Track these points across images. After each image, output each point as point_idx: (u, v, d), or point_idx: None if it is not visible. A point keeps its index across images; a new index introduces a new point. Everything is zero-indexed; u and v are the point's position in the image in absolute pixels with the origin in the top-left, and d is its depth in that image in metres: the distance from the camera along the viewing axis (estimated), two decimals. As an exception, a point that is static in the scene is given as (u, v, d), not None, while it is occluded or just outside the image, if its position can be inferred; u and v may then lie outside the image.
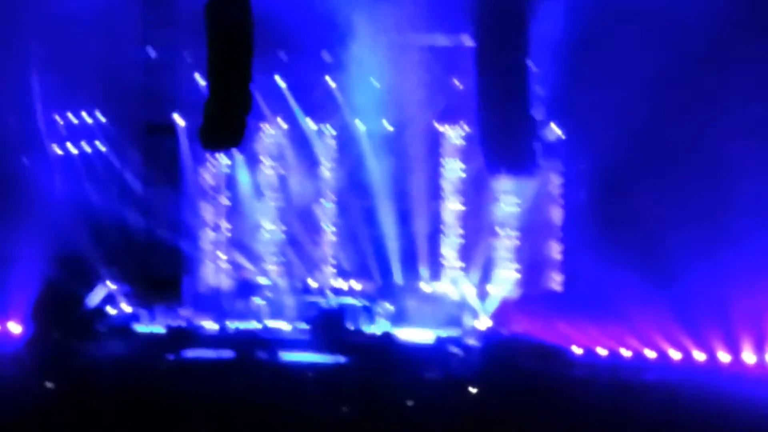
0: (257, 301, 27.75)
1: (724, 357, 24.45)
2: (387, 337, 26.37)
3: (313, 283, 28.49)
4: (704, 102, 25.14)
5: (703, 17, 24.53)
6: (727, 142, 24.50)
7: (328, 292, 29.01)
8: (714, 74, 25.32)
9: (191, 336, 26.44)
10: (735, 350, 24.50)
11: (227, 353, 25.56)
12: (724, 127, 24.75)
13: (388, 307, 27.96)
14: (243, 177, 28.44)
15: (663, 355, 24.96)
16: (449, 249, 28.23)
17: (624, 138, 25.71)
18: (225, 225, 28.70)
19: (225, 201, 28.63)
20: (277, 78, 28.05)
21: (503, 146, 26.09)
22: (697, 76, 25.20)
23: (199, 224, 28.38)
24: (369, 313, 27.76)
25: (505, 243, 27.75)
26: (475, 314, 27.00)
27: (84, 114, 28.29)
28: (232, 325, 26.87)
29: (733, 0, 25.18)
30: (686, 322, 24.85)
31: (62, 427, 20.50)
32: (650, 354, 25.02)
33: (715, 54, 25.19)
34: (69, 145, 28.38)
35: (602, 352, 25.32)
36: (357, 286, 28.24)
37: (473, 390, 23.05)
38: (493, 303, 27.14)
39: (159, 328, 26.51)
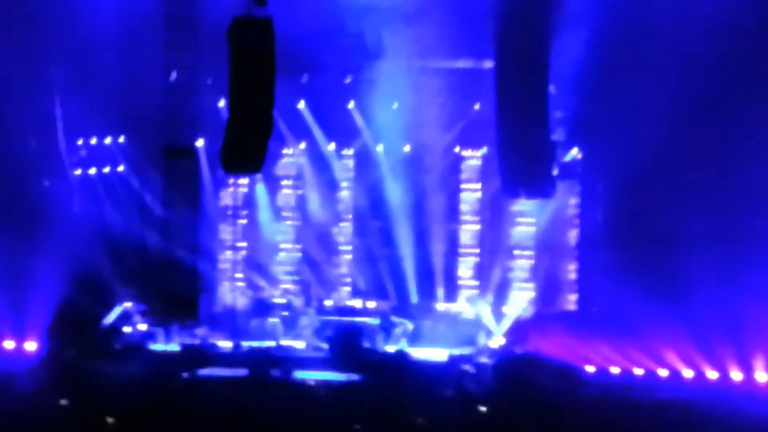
0: (272, 320, 27.85)
1: (736, 376, 24.42)
2: (401, 355, 26.38)
3: (328, 303, 28.48)
4: (724, 124, 25.17)
5: (724, 38, 24.56)
6: (745, 164, 24.58)
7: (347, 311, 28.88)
8: (733, 96, 25.16)
9: (206, 355, 26.55)
10: (747, 369, 24.47)
11: (241, 371, 25.67)
12: (744, 149, 24.81)
13: (408, 325, 27.93)
14: (261, 197, 28.57)
15: (676, 374, 24.94)
16: (465, 269, 28.36)
17: (640, 160, 25.65)
18: (242, 245, 28.91)
19: (243, 222, 28.90)
20: (300, 103, 28.25)
21: (521, 168, 26.24)
22: (716, 98, 25.05)
23: (217, 245, 28.58)
24: (386, 332, 27.73)
25: (521, 263, 27.92)
26: (489, 333, 27.10)
27: (106, 137, 28.54)
28: (247, 343, 26.89)
29: (751, 21, 24.72)
30: (699, 341, 24.77)
31: None
32: (663, 373, 24.97)
33: (735, 75, 25.24)
34: (91, 167, 28.61)
35: (615, 370, 25.26)
36: (372, 305, 28.30)
37: (482, 408, 23.51)
38: (507, 322, 27.22)
39: (174, 347, 26.66)
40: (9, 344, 26.38)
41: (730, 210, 24.53)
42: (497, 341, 27.08)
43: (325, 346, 27.19)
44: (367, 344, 27.36)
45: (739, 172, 24.85)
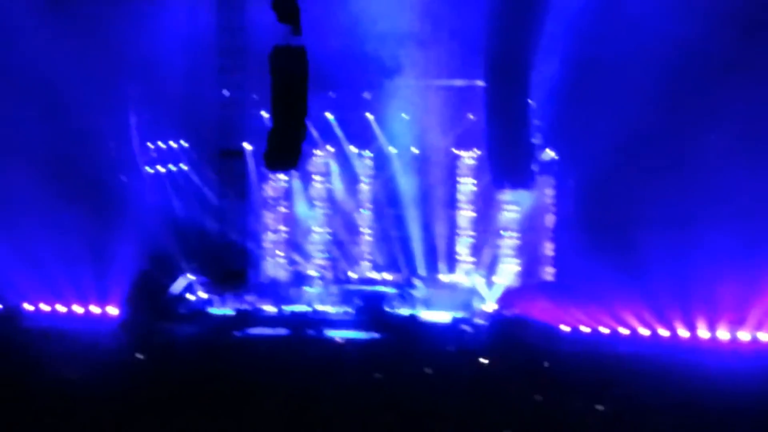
0: (307, 289, 28.35)
1: (683, 333, 25.35)
2: (412, 318, 27.06)
3: (353, 275, 29.24)
4: (674, 129, 25.99)
5: (680, 52, 25.42)
6: (689, 163, 25.26)
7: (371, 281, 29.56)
8: (684, 105, 25.94)
9: (254, 317, 27.28)
10: (692, 328, 25.40)
11: (283, 331, 26.63)
12: (691, 151, 25.47)
13: (423, 288, 28.61)
14: (297, 190, 29.27)
15: (634, 332, 25.81)
16: (463, 247, 28.99)
17: (605, 159, 26.51)
18: (282, 228, 29.30)
19: (283, 209, 29.32)
20: (328, 113, 28.86)
21: (507, 166, 27.31)
22: (669, 108, 25.81)
23: (262, 228, 29.10)
24: (403, 299, 28.27)
25: (508, 242, 28.50)
26: (483, 300, 27.76)
27: (171, 141, 29.32)
28: (287, 308, 27.58)
29: (713, 35, 25.09)
30: (653, 305, 25.72)
31: (149, 390, 21.06)
32: (624, 331, 25.86)
33: (689, 85, 25.74)
34: (159, 166, 29.37)
35: (585, 330, 26.11)
36: (388, 277, 28.91)
37: (484, 360, 24.10)
38: (497, 290, 27.94)
39: (228, 311, 27.31)
40: (95, 309, 26.94)
41: (678, 199, 24.99)
42: (490, 306, 27.65)
43: (351, 310, 27.74)
44: (387, 309, 27.90)
45: (686, 170, 25.32)
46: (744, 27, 25.92)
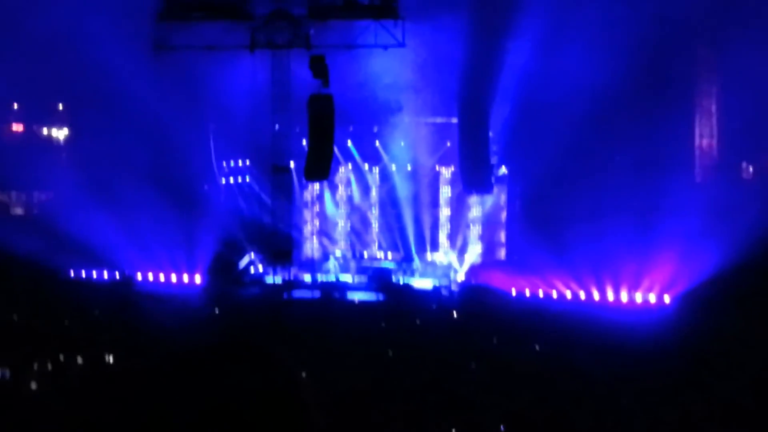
0: (333, 264, 29.05)
1: (596, 295, 26.34)
2: (407, 285, 27.96)
3: (365, 254, 29.81)
4: (590, 153, 26.25)
5: (596, 97, 25.18)
6: (599, 176, 25.92)
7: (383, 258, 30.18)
8: (597, 135, 26.17)
9: (296, 284, 28.07)
10: (602, 291, 26.33)
11: (316, 294, 27.73)
12: (600, 167, 26.34)
13: (419, 264, 29.09)
14: (327, 195, 29.77)
15: (561, 295, 26.70)
16: (443, 235, 29.41)
17: (542, 173, 27.24)
18: (316, 222, 29.71)
19: (316, 208, 29.76)
20: (348, 141, 29.28)
21: (473, 178, 28.28)
22: (587, 137, 25.92)
23: (302, 221, 29.28)
24: (404, 271, 28.77)
25: (474, 232, 28.94)
26: (456, 272, 28.69)
27: (239, 160, 29.89)
28: (319, 278, 28.37)
29: (618, 85, 25.55)
30: (575, 275, 26.52)
31: (221, 335, 22.62)
32: (554, 294, 26.77)
33: (601, 121, 25.93)
34: (231, 178, 30.04)
35: (527, 293, 27.02)
36: (390, 256, 29.57)
37: (455, 314, 25.73)
38: (466, 266, 28.83)
39: (278, 279, 27.96)
40: (185, 278, 27.81)
41: (592, 201, 25.42)
42: (460, 277, 28.65)
43: (364, 279, 28.55)
44: (393, 278, 28.53)
45: (597, 181, 25.92)
46: (641, 80, 26.38)
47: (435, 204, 29.68)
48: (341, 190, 29.91)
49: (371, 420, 16.33)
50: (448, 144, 29.34)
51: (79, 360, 20.72)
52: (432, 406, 16.82)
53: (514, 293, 27.16)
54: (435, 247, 29.65)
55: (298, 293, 27.73)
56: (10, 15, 26.39)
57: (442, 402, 17.04)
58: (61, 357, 20.64)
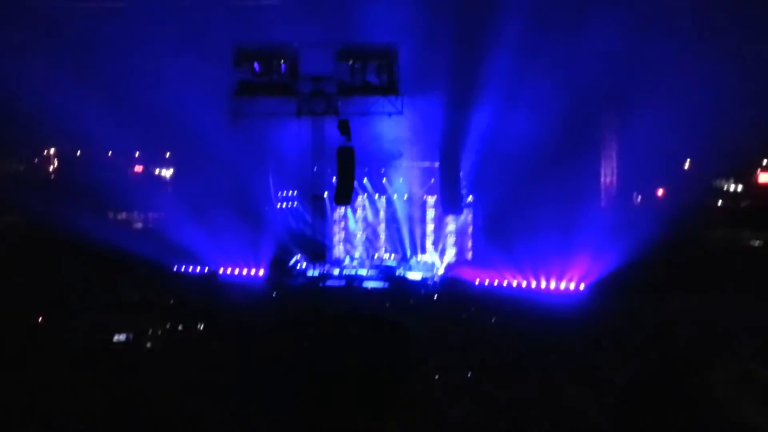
0: (354, 262, 29.12)
1: (535, 284, 26.55)
2: (404, 276, 28.21)
3: (376, 255, 29.60)
4: (530, 187, 26.23)
5: (534, 150, 25.61)
6: (537, 202, 26.02)
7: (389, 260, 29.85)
8: (538, 176, 26.23)
9: (328, 276, 28.19)
10: (538, 281, 26.61)
11: (342, 282, 27.78)
12: (538, 196, 26.13)
13: (412, 262, 29.11)
14: (349, 215, 29.46)
15: (510, 284, 26.81)
16: (429, 242, 29.28)
17: (497, 201, 27.53)
18: (341, 233, 29.47)
19: (342, 224, 29.47)
20: (364, 178, 29.21)
21: (449, 204, 28.56)
22: (529, 177, 26.02)
23: (332, 233, 29.13)
24: (402, 267, 28.82)
25: (449, 240, 28.94)
26: (437, 268, 28.92)
27: (290, 191, 29.96)
28: (344, 272, 28.39)
29: (552, 138, 25.83)
30: (521, 270, 26.67)
31: (278, 311, 23.69)
32: (505, 283, 26.86)
33: (540, 164, 26.05)
34: (283, 203, 30.03)
35: (487, 282, 27.06)
36: (393, 257, 29.51)
37: (435, 297, 26.13)
38: (444, 264, 29.03)
39: (316, 273, 28.22)
40: (253, 272, 27.91)
41: (531, 221, 25.63)
42: (440, 271, 28.83)
43: (375, 272, 28.42)
44: (398, 272, 28.55)
45: (537, 207, 26.02)
46: (565, 136, 26.48)
47: (423, 221, 29.42)
48: (359, 212, 29.69)
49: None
50: (432, 180, 29.29)
51: (180, 327, 21.17)
52: (423, 353, 15.58)
53: (477, 283, 27.31)
54: (423, 250, 29.38)
55: (329, 282, 27.72)
56: (133, 92, 26.73)
57: (430, 351, 16.80)
58: (168, 325, 21.09)
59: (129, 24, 26.28)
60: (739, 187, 33.14)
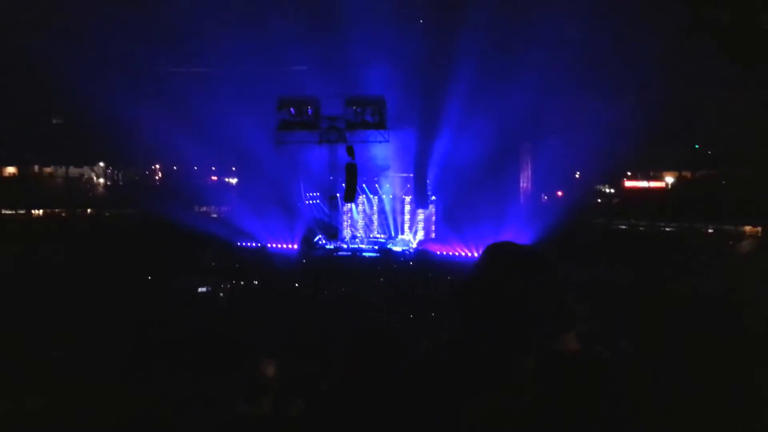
0: (357, 239, 28.54)
1: (475, 254, 25.19)
2: (390, 249, 27.94)
3: (372, 235, 29.02)
4: (475, 189, 26.00)
5: (479, 161, 25.59)
6: (480, 200, 25.63)
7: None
8: (479, 182, 26.08)
9: (340, 249, 27.74)
10: (479, 251, 26.54)
11: (349, 253, 27.52)
12: (479, 196, 25.78)
13: (400, 238, 28.88)
14: (353, 208, 28.52)
15: (462, 254, 26.45)
16: (406, 227, 28.67)
17: (451, 199, 27.53)
18: (348, 221, 28.64)
19: (349, 215, 28.66)
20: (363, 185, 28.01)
21: (420, 199, 28.41)
22: (474, 183, 25.99)
23: (342, 220, 28.17)
24: (388, 243, 28.38)
25: (420, 225, 28.49)
26: (412, 243, 28.48)
27: (316, 193, 28.63)
28: (351, 246, 28.07)
29: (490, 152, 25.56)
30: (467, 244, 26.30)
31: (306, 272, 23.61)
32: (457, 254, 26.57)
33: (482, 174, 26.10)
34: (309, 201, 28.97)
35: (445, 253, 26.96)
36: (383, 235, 28.91)
37: (411, 263, 25.98)
38: (416, 241, 28.53)
39: (331, 247, 27.78)
40: (290, 246, 27.67)
41: (479, 215, 25.29)
42: (413, 245, 28.41)
43: (370, 246, 28.21)
44: (389, 246, 28.32)
45: (479, 200, 25.72)
46: (498, 155, 26.52)
47: (402, 212, 29.12)
48: (360, 207, 29.24)
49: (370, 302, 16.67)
50: (408, 185, 29.13)
51: (242, 283, 21.39)
52: (399, 300, 17.23)
53: (438, 253, 27.28)
54: (402, 232, 29.11)
55: (341, 253, 27.61)
56: (211, 127, 26.94)
57: (405, 299, 17.48)
58: (233, 282, 21.29)
59: (210, 83, 26.64)
60: (612, 190, 33.56)
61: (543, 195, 31.14)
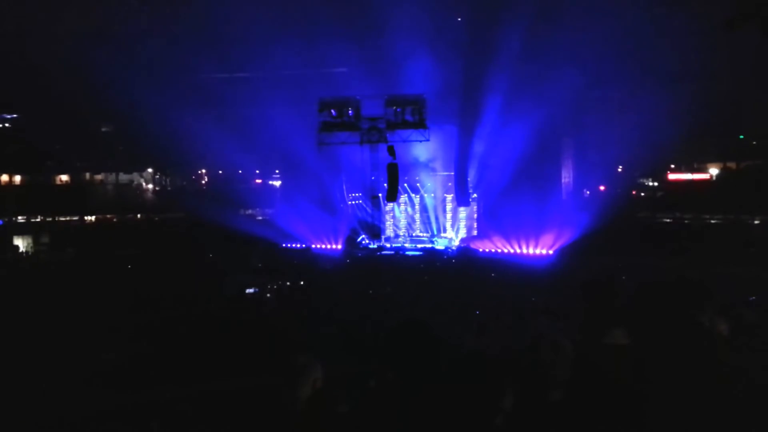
0: (400, 238, 28.20)
1: (519, 249, 25.84)
2: (433, 247, 27.50)
3: (414, 234, 28.69)
4: (517, 186, 25.64)
5: (521, 158, 25.47)
6: (522, 196, 24.97)
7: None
8: (522, 179, 25.69)
9: (383, 248, 27.51)
10: (520, 247, 25.81)
11: (392, 251, 27.18)
12: (522, 192, 25.17)
13: (442, 236, 28.60)
14: (395, 208, 28.36)
15: (503, 250, 26.18)
16: (448, 225, 28.33)
17: (493, 196, 27.01)
18: (391, 220, 28.42)
19: (391, 214, 28.43)
20: (405, 184, 27.61)
21: (461, 199, 27.95)
22: (516, 180, 25.79)
23: (384, 220, 28.06)
24: (431, 241, 28.05)
25: (462, 223, 28.16)
26: (453, 241, 27.98)
27: (358, 193, 28.51)
28: (394, 245, 27.76)
29: (531, 149, 25.39)
30: (509, 240, 26.19)
31: (349, 269, 23.55)
32: (500, 250, 26.25)
33: (524, 170, 25.68)
34: (352, 201, 28.90)
35: (487, 250, 26.64)
36: (425, 234, 28.49)
37: (453, 260, 25.50)
38: (458, 238, 28.18)
39: (375, 246, 27.64)
40: (333, 246, 27.60)
41: (518, 206, 24.83)
42: (456, 243, 27.92)
43: (413, 245, 27.77)
44: (435, 244, 27.90)
45: (522, 197, 24.97)
46: (540, 151, 26.05)
47: (444, 211, 28.93)
48: (402, 206, 29.09)
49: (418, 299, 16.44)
50: (450, 184, 28.88)
51: (287, 282, 21.16)
52: (445, 297, 16.83)
53: (481, 250, 26.99)
54: (444, 230, 28.90)
55: (384, 252, 27.51)
56: (255, 132, 26.97)
57: (450, 295, 17.09)
58: (279, 282, 20.89)
59: (253, 87, 26.61)
60: (655, 183, 33.08)
61: (585, 190, 30.56)
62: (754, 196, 25.77)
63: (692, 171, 32.53)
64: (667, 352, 3.33)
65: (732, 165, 31.80)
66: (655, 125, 24.03)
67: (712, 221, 28.10)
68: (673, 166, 32.64)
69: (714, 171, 32.57)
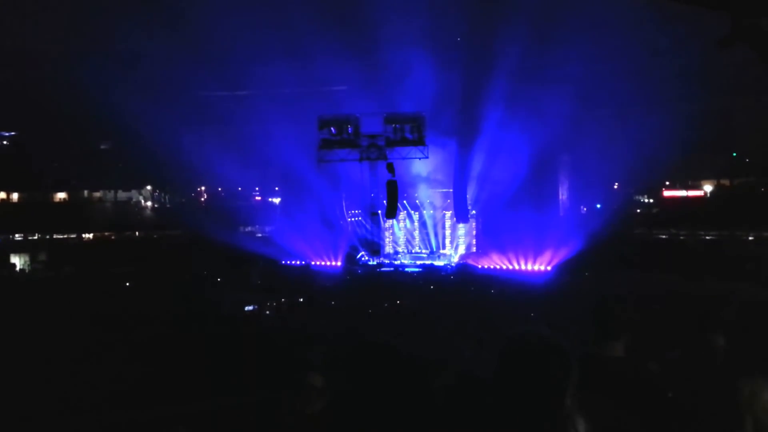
0: (400, 255, 28.29)
1: (517, 266, 25.96)
2: (432, 264, 27.60)
3: (414, 250, 28.67)
4: (514, 205, 25.71)
5: (519, 176, 25.76)
6: (520, 213, 25.11)
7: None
8: (519, 197, 25.88)
9: (382, 265, 27.68)
10: (519, 263, 25.96)
11: (392, 268, 27.30)
12: (520, 210, 25.22)
13: (441, 253, 28.77)
14: (395, 224, 28.42)
15: (501, 267, 26.31)
16: (447, 241, 28.44)
17: (491, 213, 27.39)
18: (390, 237, 28.58)
19: (391, 231, 28.46)
20: (404, 201, 27.62)
21: (460, 215, 27.98)
22: (514, 198, 25.85)
23: (384, 237, 28.26)
24: (430, 258, 28.22)
25: (461, 240, 28.32)
26: (452, 258, 28.20)
27: (357, 210, 28.55)
28: (394, 262, 27.92)
29: (528, 168, 25.76)
30: (507, 257, 26.27)
31: (351, 283, 23.78)
32: (498, 266, 26.35)
33: (522, 188, 25.98)
34: (351, 218, 28.90)
35: (486, 266, 26.74)
36: (425, 250, 28.57)
37: (452, 276, 25.70)
38: (457, 255, 28.30)
39: (374, 263, 27.86)
40: (333, 263, 27.66)
41: (516, 223, 25.13)
42: (455, 260, 28.14)
43: (413, 261, 27.96)
44: (434, 261, 28.05)
45: (519, 214, 25.13)
46: (537, 169, 26.29)
47: (443, 227, 29.03)
48: (401, 223, 29.13)
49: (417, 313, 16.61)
50: (448, 201, 28.97)
51: (283, 300, 21.12)
52: (444, 311, 16.81)
53: (480, 267, 27.11)
54: (443, 246, 28.99)
55: (383, 269, 27.63)
56: (254, 148, 26.79)
57: (449, 310, 17.02)
58: (277, 300, 21.05)
59: (252, 105, 26.41)
60: (651, 200, 33.12)
61: (582, 207, 30.61)
62: (748, 212, 26.03)
63: (687, 188, 32.67)
64: (680, 368, 3.39)
65: (726, 182, 32.04)
66: (650, 143, 24.16)
67: (707, 237, 28.14)
68: (668, 183, 32.79)
69: (708, 188, 32.76)
